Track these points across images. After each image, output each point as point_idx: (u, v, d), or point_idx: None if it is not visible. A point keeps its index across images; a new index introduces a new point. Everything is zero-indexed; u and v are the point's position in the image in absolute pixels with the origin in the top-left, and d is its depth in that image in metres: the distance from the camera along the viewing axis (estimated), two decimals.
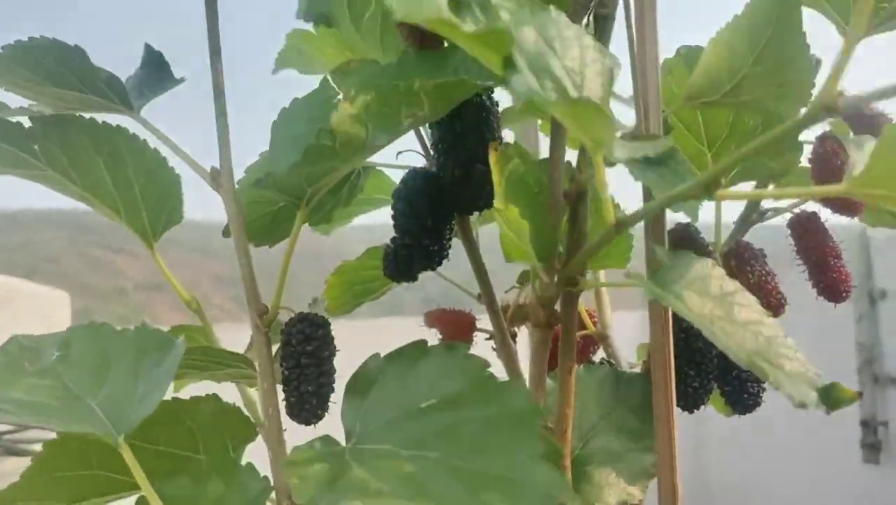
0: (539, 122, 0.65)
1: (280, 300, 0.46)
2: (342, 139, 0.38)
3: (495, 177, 0.41)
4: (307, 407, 0.46)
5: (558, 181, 0.48)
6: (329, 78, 0.47)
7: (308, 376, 0.45)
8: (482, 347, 0.58)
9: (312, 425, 0.47)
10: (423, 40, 0.49)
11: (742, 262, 0.54)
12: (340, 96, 0.46)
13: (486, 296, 0.53)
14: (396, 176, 0.58)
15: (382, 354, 0.41)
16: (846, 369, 2.60)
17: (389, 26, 0.58)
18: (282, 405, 0.47)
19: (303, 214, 0.45)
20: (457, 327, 0.57)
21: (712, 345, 0.39)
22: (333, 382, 0.47)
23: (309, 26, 0.67)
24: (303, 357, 0.45)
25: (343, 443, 0.38)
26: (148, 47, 0.57)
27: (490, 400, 0.36)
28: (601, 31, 0.51)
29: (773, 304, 0.53)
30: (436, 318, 0.58)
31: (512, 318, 0.60)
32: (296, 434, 0.45)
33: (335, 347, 0.47)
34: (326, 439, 0.38)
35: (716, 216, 0.59)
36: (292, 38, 0.68)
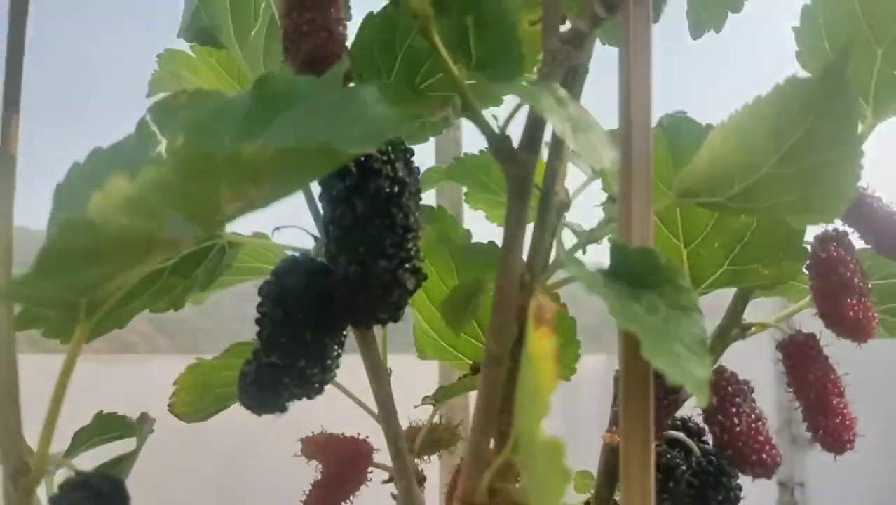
0: (464, 190, 0.51)
1: (47, 450, 0.30)
2: (110, 235, 0.23)
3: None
4: None
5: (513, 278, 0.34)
6: (148, 117, 0.32)
7: None
8: (379, 491, 0.43)
9: None
10: (309, 64, 0.35)
11: (725, 399, 0.41)
12: (163, 145, 0.31)
13: (390, 433, 0.39)
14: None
15: None
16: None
17: (274, 44, 0.47)
18: None
19: (83, 329, 0.29)
20: (345, 461, 0.42)
21: None
22: None
23: (185, 46, 0.54)
24: None
25: None
26: None
27: None
28: (573, 82, 0.38)
29: (767, 462, 0.40)
30: (317, 446, 0.42)
31: (422, 446, 0.46)
32: None
33: None
34: None
35: None
36: (165, 60, 0.54)
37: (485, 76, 0.36)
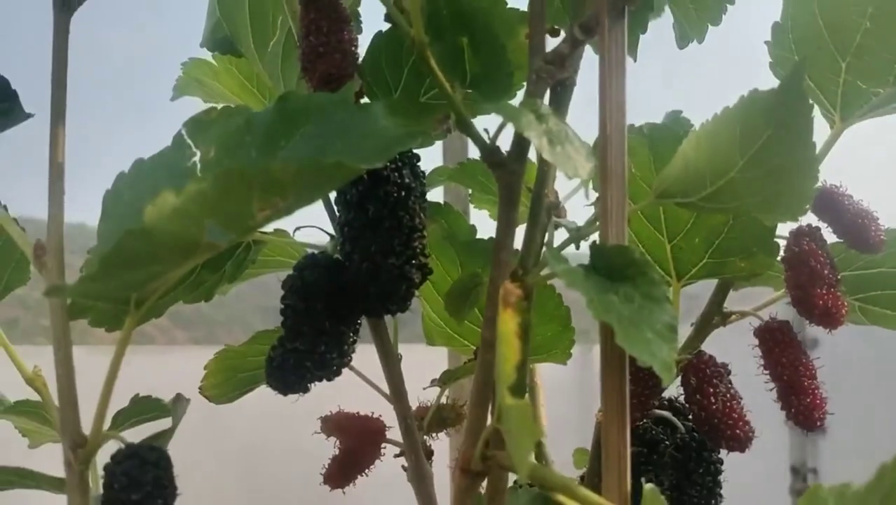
0: (469, 191, 0.56)
1: (102, 426, 0.35)
2: (162, 241, 0.27)
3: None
4: None
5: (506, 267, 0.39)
6: (184, 132, 0.37)
7: None
8: (391, 464, 0.48)
9: None
10: (324, 82, 0.39)
11: (703, 380, 0.45)
12: (197, 157, 0.36)
13: (401, 412, 0.43)
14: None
15: None
16: (778, 417, 2.59)
17: (291, 54, 0.50)
18: None
19: (133, 320, 0.34)
20: (361, 437, 0.47)
21: None
22: None
23: (207, 55, 0.58)
24: None
25: None
26: None
27: None
28: (559, 99, 0.42)
29: (740, 436, 0.44)
30: (335, 425, 0.47)
31: (430, 424, 0.50)
32: None
33: (174, 489, 0.35)
34: None
35: None
36: (189, 68, 0.59)
37: (478, 92, 0.40)
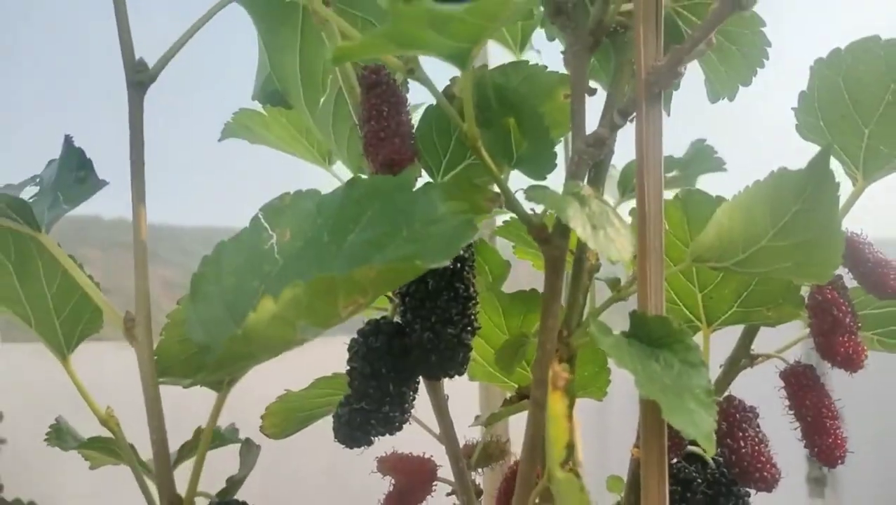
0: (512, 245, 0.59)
1: (196, 488, 0.39)
2: (261, 343, 0.31)
3: None
4: None
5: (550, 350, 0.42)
6: (261, 216, 0.40)
7: None
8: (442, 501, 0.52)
9: None
10: (386, 166, 0.43)
11: (733, 425, 0.49)
12: (274, 239, 0.39)
13: (453, 454, 0.47)
14: None
15: None
16: None
17: (342, 113, 0.54)
18: None
19: (222, 395, 0.38)
20: (415, 477, 0.51)
21: None
22: None
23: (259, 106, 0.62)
24: None
25: None
26: (68, 141, 0.49)
27: None
28: (597, 175, 0.45)
29: (768, 478, 0.48)
30: (391, 465, 0.51)
31: (477, 461, 0.54)
32: None
33: None
34: None
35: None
36: (239, 117, 0.63)
37: (524, 171, 0.43)
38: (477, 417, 0.56)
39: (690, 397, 0.37)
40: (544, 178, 0.43)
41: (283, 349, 0.34)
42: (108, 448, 0.61)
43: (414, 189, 0.41)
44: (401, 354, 0.42)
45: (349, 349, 0.44)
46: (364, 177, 0.43)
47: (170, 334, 0.46)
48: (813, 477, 2.82)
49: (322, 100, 0.58)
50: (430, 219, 0.39)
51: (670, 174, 0.74)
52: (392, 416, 0.43)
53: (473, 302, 0.43)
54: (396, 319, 0.44)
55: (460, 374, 0.43)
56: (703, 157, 0.74)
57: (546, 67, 0.50)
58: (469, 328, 0.42)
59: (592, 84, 0.48)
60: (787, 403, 0.52)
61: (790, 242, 0.41)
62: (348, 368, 0.44)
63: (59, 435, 0.61)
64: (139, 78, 0.44)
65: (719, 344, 0.56)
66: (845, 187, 0.52)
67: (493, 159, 0.42)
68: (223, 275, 0.39)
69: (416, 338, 0.42)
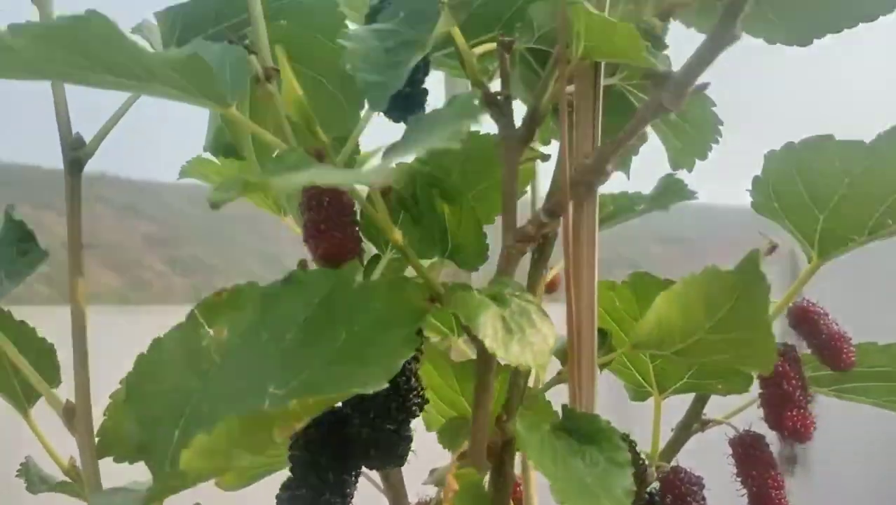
0: None
1: None
2: (195, 476, 0.31)
3: None
4: None
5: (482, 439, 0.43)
6: (197, 313, 0.40)
7: None
8: None
9: None
10: (326, 260, 0.42)
11: (678, 497, 0.49)
12: (209, 336, 0.39)
13: None
14: None
15: None
16: None
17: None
18: None
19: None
20: None
21: None
22: None
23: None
24: None
25: None
26: (8, 215, 0.47)
27: None
28: (540, 255, 0.44)
29: None
30: None
31: None
32: None
33: None
34: None
35: (654, 421, 0.55)
36: (195, 163, 0.62)
37: (456, 260, 0.43)
38: (431, 472, 0.57)
39: (608, 499, 0.37)
40: (476, 269, 0.43)
41: (217, 475, 0.34)
42: (74, 490, 0.61)
43: (354, 285, 0.40)
44: (340, 445, 0.42)
45: (290, 438, 0.43)
46: (302, 271, 0.42)
47: (112, 416, 0.45)
48: (785, 455, 2.89)
49: (275, 154, 0.57)
50: (370, 321, 0.38)
51: (639, 207, 0.73)
52: (333, 502, 0.43)
53: (415, 392, 0.42)
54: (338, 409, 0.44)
55: (400, 465, 0.43)
56: (673, 190, 0.73)
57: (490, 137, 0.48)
58: (410, 421, 0.42)
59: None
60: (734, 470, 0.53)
61: (725, 337, 0.41)
62: (289, 454, 0.43)
63: (28, 477, 0.62)
64: (76, 156, 0.43)
65: (671, 406, 0.57)
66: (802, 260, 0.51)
67: (427, 250, 0.41)
68: (161, 374, 0.39)
69: (355, 433, 0.41)
